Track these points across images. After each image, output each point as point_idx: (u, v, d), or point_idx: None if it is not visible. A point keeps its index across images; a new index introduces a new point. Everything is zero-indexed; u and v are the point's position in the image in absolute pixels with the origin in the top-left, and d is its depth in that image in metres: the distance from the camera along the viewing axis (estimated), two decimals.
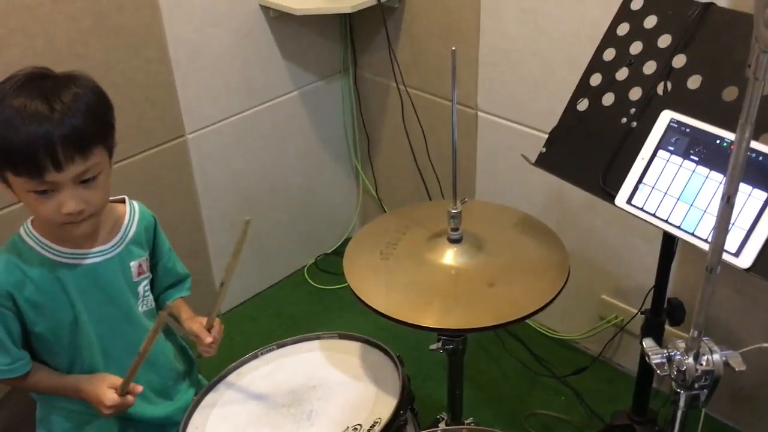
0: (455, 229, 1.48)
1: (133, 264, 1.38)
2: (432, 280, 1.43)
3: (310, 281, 2.72)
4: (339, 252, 2.82)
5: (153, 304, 1.44)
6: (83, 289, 1.31)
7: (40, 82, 1.16)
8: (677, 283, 1.93)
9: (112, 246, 1.35)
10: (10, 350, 1.29)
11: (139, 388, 1.31)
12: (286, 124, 2.52)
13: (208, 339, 1.39)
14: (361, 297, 1.39)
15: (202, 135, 2.28)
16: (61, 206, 1.17)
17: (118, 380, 1.30)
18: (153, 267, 1.45)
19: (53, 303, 1.29)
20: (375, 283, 1.43)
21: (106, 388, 1.29)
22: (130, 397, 1.30)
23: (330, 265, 2.78)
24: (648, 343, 1.02)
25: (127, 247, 1.37)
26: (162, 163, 2.20)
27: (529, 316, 1.35)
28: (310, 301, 2.64)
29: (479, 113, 2.25)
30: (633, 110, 1.39)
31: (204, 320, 1.41)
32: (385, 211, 2.75)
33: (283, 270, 2.75)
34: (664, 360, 0.98)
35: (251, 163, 2.44)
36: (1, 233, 1.35)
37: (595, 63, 1.46)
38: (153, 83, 2.09)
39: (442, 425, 1.69)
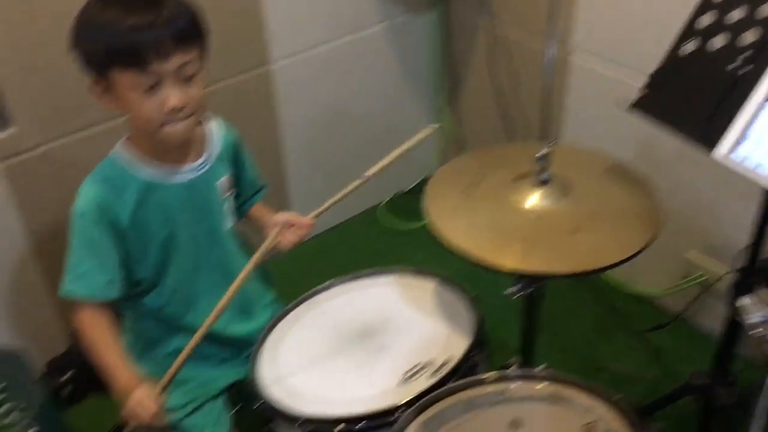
0: (541, 172, 1.42)
1: (221, 182, 1.40)
2: (514, 223, 1.39)
3: (384, 219, 2.72)
4: (415, 191, 2.80)
5: (232, 222, 1.46)
6: (180, 207, 1.34)
7: None
8: None
9: (203, 163, 1.37)
10: (106, 266, 1.28)
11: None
12: (372, 56, 2.47)
13: (308, 219, 1.43)
14: (440, 234, 1.36)
15: (287, 64, 2.26)
16: (164, 102, 1.20)
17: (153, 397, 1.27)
18: (238, 181, 1.48)
19: (147, 223, 1.31)
20: (455, 222, 1.40)
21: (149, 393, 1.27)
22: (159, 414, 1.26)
23: (406, 203, 2.76)
24: (745, 301, 0.96)
25: (214, 164, 1.39)
26: (244, 91, 2.20)
27: (611, 267, 1.29)
28: (383, 240, 2.63)
29: (574, 54, 2.15)
30: (744, 55, 1.29)
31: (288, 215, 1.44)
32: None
33: (358, 206, 2.75)
34: (765, 319, 0.93)
35: (333, 95, 2.42)
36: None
37: (706, 2, 1.36)
38: (240, 9, 2.08)
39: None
